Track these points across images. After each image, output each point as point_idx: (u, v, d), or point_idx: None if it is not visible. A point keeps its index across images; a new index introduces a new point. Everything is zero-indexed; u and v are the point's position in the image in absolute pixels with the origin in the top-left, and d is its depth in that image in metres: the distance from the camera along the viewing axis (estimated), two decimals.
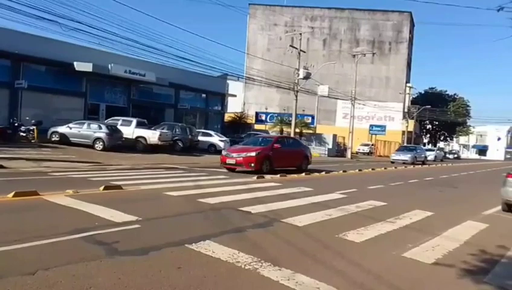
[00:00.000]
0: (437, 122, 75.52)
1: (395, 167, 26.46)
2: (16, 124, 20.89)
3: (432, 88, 77.52)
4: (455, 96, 77.31)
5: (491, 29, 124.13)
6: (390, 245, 5.73)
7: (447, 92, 77.57)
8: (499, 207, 9.76)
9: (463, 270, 4.78)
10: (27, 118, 22.07)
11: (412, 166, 29.73)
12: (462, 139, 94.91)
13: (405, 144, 42.78)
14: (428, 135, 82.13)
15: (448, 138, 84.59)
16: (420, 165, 32.15)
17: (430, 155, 43.97)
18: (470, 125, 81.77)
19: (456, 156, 73.20)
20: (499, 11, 8.08)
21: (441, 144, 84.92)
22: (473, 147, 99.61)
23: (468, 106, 76.34)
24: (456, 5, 45.43)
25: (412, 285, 4.36)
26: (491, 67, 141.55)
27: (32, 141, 20.68)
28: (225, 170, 15.75)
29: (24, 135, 20.78)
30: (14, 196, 7.37)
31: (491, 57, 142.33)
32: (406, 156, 32.55)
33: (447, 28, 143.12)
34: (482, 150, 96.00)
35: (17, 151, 16.52)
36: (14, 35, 21.56)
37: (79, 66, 24.17)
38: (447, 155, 66.81)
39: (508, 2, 8.89)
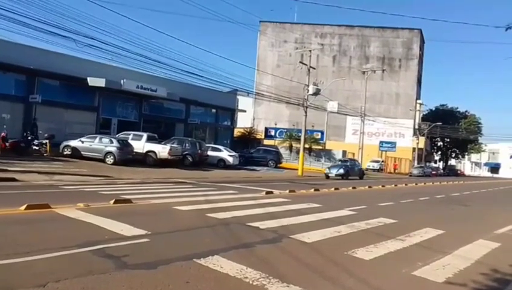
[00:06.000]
0: (448, 140, 74.80)
1: (406, 184, 26.15)
2: (29, 138, 21.24)
3: (443, 105, 77.08)
4: (466, 113, 76.70)
5: (501, 47, 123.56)
6: (400, 263, 5.67)
7: (458, 109, 77.10)
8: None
9: None
10: (40, 131, 22.41)
11: (422, 183, 29.38)
12: (474, 157, 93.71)
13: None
14: (439, 152, 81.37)
15: (459, 156, 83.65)
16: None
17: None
18: (481, 143, 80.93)
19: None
20: (506, 30, 8.10)
21: (452, 161, 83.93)
22: (485, 164, 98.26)
23: (479, 123, 75.58)
24: (465, 23, 45.69)
25: None
26: (503, 84, 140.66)
27: (45, 154, 20.99)
28: (234, 185, 15.61)
29: (37, 148, 21.11)
30: (26, 209, 7.46)
31: (503, 74, 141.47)
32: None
33: (457, 45, 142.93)
34: (495, 168, 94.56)
35: (30, 164, 16.74)
36: (29, 51, 22.10)
37: (92, 81, 24.58)
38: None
39: None
